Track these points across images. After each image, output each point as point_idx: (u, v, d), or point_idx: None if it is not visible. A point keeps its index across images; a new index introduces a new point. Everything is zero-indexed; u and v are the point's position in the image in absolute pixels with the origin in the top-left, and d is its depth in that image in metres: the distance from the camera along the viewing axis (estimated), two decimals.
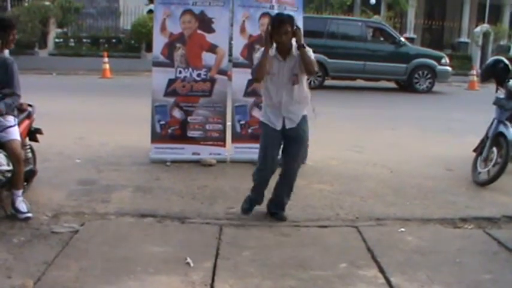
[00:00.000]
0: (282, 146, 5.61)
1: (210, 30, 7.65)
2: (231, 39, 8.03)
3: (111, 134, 9.45)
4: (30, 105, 6.21)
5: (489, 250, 5.08)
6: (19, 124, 5.64)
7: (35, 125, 6.29)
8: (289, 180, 5.69)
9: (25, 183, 5.74)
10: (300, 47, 5.31)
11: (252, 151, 7.71)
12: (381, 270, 4.54)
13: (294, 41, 5.36)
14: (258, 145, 7.37)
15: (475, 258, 4.90)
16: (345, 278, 4.40)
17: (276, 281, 4.28)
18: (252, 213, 5.77)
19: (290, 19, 5.37)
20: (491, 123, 7.48)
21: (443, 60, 19.58)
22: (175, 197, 6.31)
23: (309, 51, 5.36)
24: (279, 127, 5.49)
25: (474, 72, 21.50)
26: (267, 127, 5.56)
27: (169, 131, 7.73)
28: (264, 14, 7.66)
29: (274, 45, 5.42)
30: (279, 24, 5.29)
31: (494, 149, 7.23)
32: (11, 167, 5.31)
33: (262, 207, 5.81)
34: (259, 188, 5.75)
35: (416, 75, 19.15)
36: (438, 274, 4.50)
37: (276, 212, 5.74)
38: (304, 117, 5.58)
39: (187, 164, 7.59)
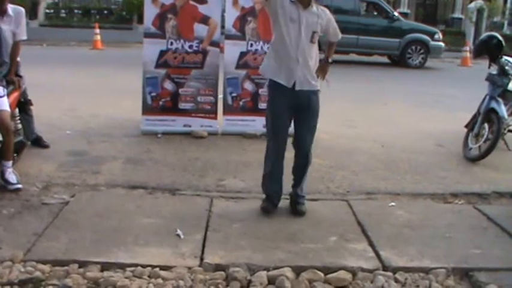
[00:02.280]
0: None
1: (203, 1, 7.55)
2: (223, 11, 7.95)
3: (101, 105, 9.40)
4: (19, 76, 6.16)
5: (479, 225, 5.10)
6: (8, 95, 5.59)
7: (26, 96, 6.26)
8: (305, 159, 5.17)
9: (15, 155, 5.70)
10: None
11: (243, 123, 7.75)
12: (371, 244, 4.55)
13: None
14: (249, 118, 7.36)
15: (465, 233, 4.91)
16: (335, 251, 4.41)
17: (266, 254, 4.28)
18: (244, 185, 5.76)
19: None
20: (483, 99, 7.49)
21: (436, 36, 19.52)
22: (166, 169, 6.30)
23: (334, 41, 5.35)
24: (289, 85, 4.89)
25: (467, 48, 21.45)
26: (277, 86, 4.96)
27: (161, 102, 7.68)
28: None
29: None
30: None
31: (486, 125, 7.24)
32: (0, 138, 5.27)
33: (256, 180, 5.78)
34: (276, 170, 5.14)
35: (409, 51, 19.10)
36: (428, 248, 4.51)
37: (296, 203, 5.25)
38: (316, 90, 5.09)
39: (179, 136, 7.57)
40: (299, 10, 4.85)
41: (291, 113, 5.01)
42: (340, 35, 5.33)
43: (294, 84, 4.89)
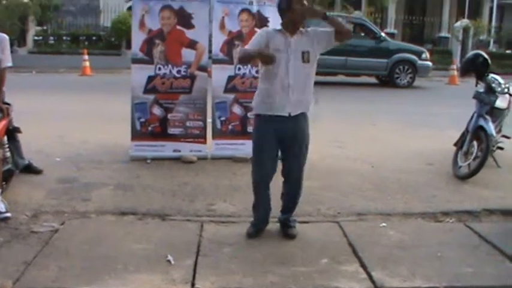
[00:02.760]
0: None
1: (190, 26, 7.58)
2: (210, 35, 7.98)
3: (91, 132, 9.37)
4: (7, 104, 6.15)
5: (470, 243, 5.11)
6: None
7: (13, 124, 6.24)
8: (294, 183, 5.14)
9: (4, 183, 5.67)
10: (326, 18, 4.84)
11: (232, 147, 7.74)
12: (362, 265, 4.54)
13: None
14: (238, 141, 7.36)
15: (456, 251, 4.91)
16: (327, 273, 4.40)
17: (257, 278, 4.26)
18: (234, 210, 5.76)
19: None
20: (471, 117, 7.53)
21: (423, 55, 19.65)
22: (155, 194, 6.27)
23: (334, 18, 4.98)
24: (285, 112, 4.85)
25: (454, 66, 21.61)
26: (264, 118, 4.94)
27: (150, 128, 7.67)
28: (243, 10, 7.63)
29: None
30: None
31: (475, 143, 7.27)
32: None
33: (246, 204, 5.77)
34: (261, 199, 5.12)
35: (397, 70, 19.21)
36: (419, 268, 4.51)
37: (286, 227, 5.22)
38: (306, 116, 5.06)
39: (168, 161, 7.55)
40: (287, 38, 4.84)
41: (278, 143, 4.96)
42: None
43: (288, 113, 4.87)
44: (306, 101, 4.97)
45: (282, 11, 4.90)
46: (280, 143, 4.96)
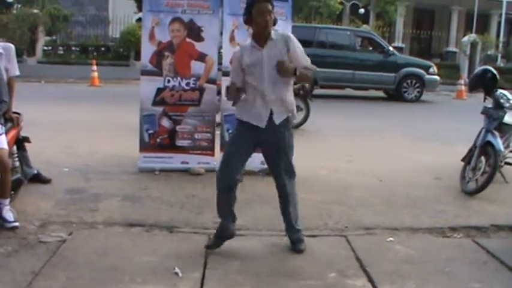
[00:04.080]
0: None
1: (199, 38, 7.62)
2: (220, 47, 8.01)
3: (99, 142, 9.40)
4: (17, 114, 6.18)
5: (478, 259, 5.08)
6: (6, 133, 5.60)
7: (22, 134, 6.26)
8: (286, 198, 5.10)
9: (12, 192, 5.69)
10: (295, 74, 4.80)
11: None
12: (370, 280, 4.52)
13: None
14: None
15: (464, 267, 4.90)
16: (334, 287, 4.39)
17: None
18: (241, 223, 5.75)
19: None
20: (479, 133, 7.52)
21: (431, 70, 19.68)
22: (163, 206, 6.28)
23: (307, 64, 4.96)
24: (263, 123, 4.88)
25: (462, 81, 21.63)
26: (242, 125, 5.00)
27: (158, 140, 7.69)
28: None
29: (250, 30, 5.07)
30: (261, 2, 4.77)
31: (483, 158, 7.25)
32: None
33: (254, 217, 5.76)
34: (224, 207, 5.10)
35: (404, 85, 19.21)
36: (427, 284, 4.49)
37: (293, 242, 5.16)
38: (288, 118, 5.01)
39: (176, 173, 7.56)
40: (258, 50, 4.87)
41: (257, 149, 5.05)
42: (308, 60, 5.02)
43: (267, 122, 4.90)
44: (286, 109, 4.97)
45: (245, 23, 4.98)
46: (263, 153, 5.10)
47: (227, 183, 4.98)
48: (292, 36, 5.02)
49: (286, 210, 5.14)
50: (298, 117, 9.60)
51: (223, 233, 5.08)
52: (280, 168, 5.03)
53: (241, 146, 4.98)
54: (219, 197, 5.07)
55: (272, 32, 4.89)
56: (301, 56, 4.97)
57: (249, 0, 4.89)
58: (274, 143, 4.97)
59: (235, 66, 5.06)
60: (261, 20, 4.78)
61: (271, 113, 4.88)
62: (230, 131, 7.70)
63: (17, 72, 6.31)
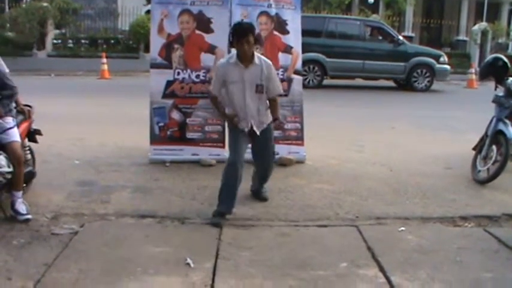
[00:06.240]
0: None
1: (209, 30, 7.60)
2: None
3: (109, 135, 9.44)
4: (29, 106, 6.20)
5: (489, 248, 5.08)
6: (18, 125, 5.63)
7: (34, 126, 6.29)
8: (264, 171, 6.09)
9: (24, 185, 5.73)
10: (277, 119, 5.83)
11: (250, 151, 7.69)
12: (381, 270, 4.53)
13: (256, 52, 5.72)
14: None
15: (476, 256, 4.89)
16: (346, 277, 4.40)
17: (276, 281, 4.28)
18: (253, 213, 5.77)
19: (252, 28, 5.55)
20: (491, 121, 7.49)
21: (441, 59, 19.56)
22: (175, 198, 6.30)
23: (278, 91, 5.86)
24: (246, 130, 5.74)
25: (473, 70, 21.48)
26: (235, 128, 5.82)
27: (168, 132, 7.70)
28: (262, 13, 7.62)
29: (235, 51, 5.63)
30: (241, 34, 5.42)
31: (494, 147, 7.22)
32: (11, 169, 5.29)
33: (265, 207, 5.78)
34: (229, 189, 5.65)
35: (415, 74, 19.12)
36: (439, 273, 4.49)
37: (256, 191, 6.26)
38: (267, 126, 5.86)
39: (187, 165, 7.57)
40: (241, 70, 5.59)
41: (248, 142, 5.90)
42: (281, 90, 5.96)
43: (250, 128, 5.74)
44: (266, 119, 5.81)
45: (231, 46, 5.71)
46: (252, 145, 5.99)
47: (237, 171, 5.68)
48: (271, 64, 5.76)
49: (262, 184, 6.21)
50: None
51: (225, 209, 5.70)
52: (269, 155, 6.01)
53: (241, 137, 5.80)
54: (226, 184, 5.73)
55: (256, 57, 5.61)
56: (276, 84, 5.81)
57: (231, 29, 5.65)
58: (263, 140, 5.89)
59: (217, 79, 5.78)
60: (240, 49, 5.49)
61: (252, 127, 5.73)
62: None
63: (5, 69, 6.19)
